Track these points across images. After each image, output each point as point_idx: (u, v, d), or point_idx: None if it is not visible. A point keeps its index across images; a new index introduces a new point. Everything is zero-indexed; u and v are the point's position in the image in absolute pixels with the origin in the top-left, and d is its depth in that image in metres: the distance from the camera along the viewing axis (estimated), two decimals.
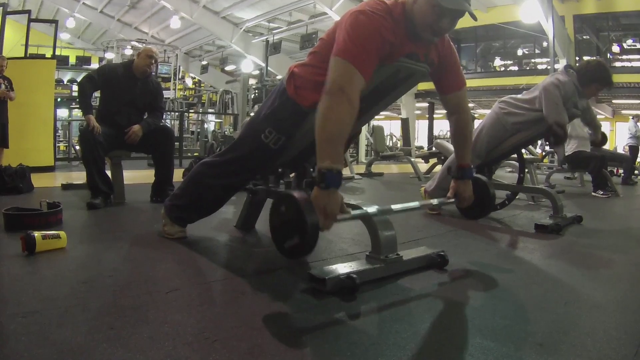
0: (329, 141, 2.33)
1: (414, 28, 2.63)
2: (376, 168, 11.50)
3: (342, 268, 2.52)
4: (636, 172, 11.87)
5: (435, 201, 3.36)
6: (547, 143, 4.51)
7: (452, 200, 3.19)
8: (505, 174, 10.71)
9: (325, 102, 2.38)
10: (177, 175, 5.62)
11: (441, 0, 2.50)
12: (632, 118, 15.14)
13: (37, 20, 18.07)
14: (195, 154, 13.88)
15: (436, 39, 2.75)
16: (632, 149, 14.39)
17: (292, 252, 2.44)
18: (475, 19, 2.66)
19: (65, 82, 21.14)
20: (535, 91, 4.77)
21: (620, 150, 16.96)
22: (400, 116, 22.98)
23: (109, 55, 22.52)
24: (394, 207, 2.84)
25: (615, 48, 20.79)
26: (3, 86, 7.56)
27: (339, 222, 2.43)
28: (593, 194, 7.75)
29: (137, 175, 7.66)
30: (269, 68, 23.25)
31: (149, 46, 5.74)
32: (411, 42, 2.67)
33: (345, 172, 9.63)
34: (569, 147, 8.29)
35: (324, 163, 2.29)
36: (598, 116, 25.43)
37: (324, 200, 2.30)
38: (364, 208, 2.69)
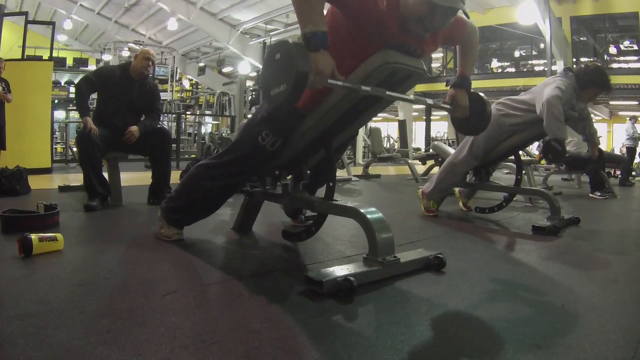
0: (306, 3, 2.41)
1: (407, 21, 2.64)
2: (373, 170, 11.50)
3: (339, 270, 2.51)
4: (633, 173, 11.89)
5: (430, 101, 3.37)
6: (544, 157, 4.49)
7: (448, 106, 3.23)
8: (503, 176, 10.72)
9: None
10: (174, 177, 5.61)
11: None
12: (630, 119, 15.18)
13: (34, 22, 18.03)
14: (192, 156, 13.86)
15: (427, 35, 2.76)
16: (630, 150, 14.42)
17: (278, 98, 2.45)
18: (468, 17, 2.68)
19: (62, 84, 21.17)
20: (534, 94, 4.76)
21: (617, 152, 16.98)
22: (397, 118, 22.99)
23: (106, 57, 22.54)
24: (389, 93, 2.83)
25: (612, 49, 20.85)
26: (0, 88, 7.55)
27: (331, 85, 2.50)
28: (590, 195, 7.76)
29: (134, 177, 7.66)
30: None
31: (146, 48, 5.73)
32: (403, 33, 2.67)
33: (343, 173, 9.64)
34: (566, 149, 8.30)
35: (307, 27, 2.38)
36: (595, 117, 25.41)
37: (315, 60, 2.37)
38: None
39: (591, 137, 5.41)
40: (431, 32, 2.76)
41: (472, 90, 3.40)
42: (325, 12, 2.60)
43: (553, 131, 4.43)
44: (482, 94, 3.48)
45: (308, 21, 2.38)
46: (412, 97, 3.12)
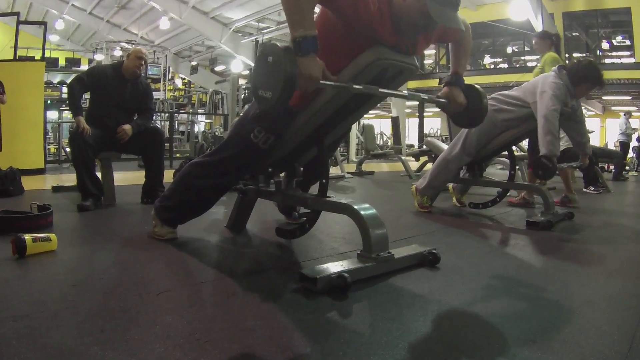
0: (296, 7, 2.38)
1: (399, 22, 2.64)
2: (367, 167, 11.50)
3: (333, 267, 2.52)
4: (627, 167, 11.92)
5: (424, 95, 3.36)
6: (534, 174, 4.50)
7: (443, 100, 3.22)
8: (496, 171, 10.74)
9: None
10: (168, 176, 5.60)
11: (432, 12, 2.51)
12: (624, 115, 15.22)
13: (26, 22, 17.93)
14: (185, 155, 13.85)
15: (418, 36, 2.77)
16: (623, 145, 14.47)
17: (264, 100, 2.45)
18: (462, 29, 2.69)
19: (55, 84, 21.08)
20: (527, 90, 4.77)
21: (611, 147, 17.02)
22: (390, 115, 23.01)
23: (99, 57, 22.48)
24: (381, 90, 2.82)
25: (605, 45, 20.87)
26: None
27: (322, 86, 2.50)
28: (584, 190, 7.78)
29: (128, 177, 7.65)
30: None
31: (139, 47, 5.68)
32: (395, 34, 2.67)
33: (336, 171, 9.64)
34: (559, 144, 8.30)
35: (297, 31, 2.36)
36: (588, 113, 25.41)
37: (305, 65, 2.36)
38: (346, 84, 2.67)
39: (582, 146, 5.31)
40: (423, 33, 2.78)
41: (467, 83, 3.37)
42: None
43: (547, 147, 4.43)
44: (477, 87, 3.44)
45: (298, 26, 2.36)
46: (405, 92, 3.11)
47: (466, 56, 3.35)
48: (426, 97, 3.34)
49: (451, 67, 3.36)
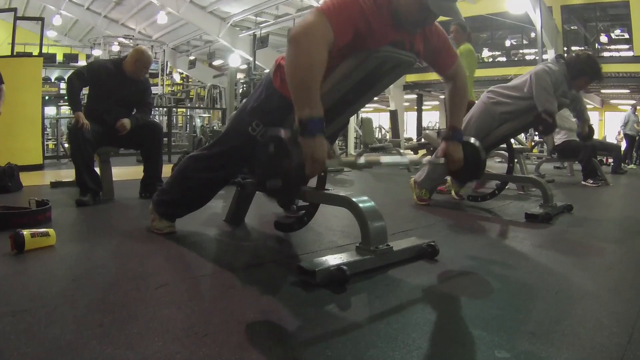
0: (304, 88, 2.32)
1: (399, 18, 2.62)
2: None
3: (332, 260, 2.52)
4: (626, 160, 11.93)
5: (424, 160, 3.34)
6: (536, 132, 4.50)
7: (442, 160, 3.18)
8: (495, 164, 10.73)
9: (292, 48, 2.35)
10: (166, 170, 5.58)
11: (430, 3, 2.50)
12: (630, 108, 15.28)
13: (23, 18, 17.88)
14: (184, 150, 13.84)
15: (418, 31, 2.76)
16: (628, 138, 14.57)
17: (275, 192, 2.42)
18: (463, 22, 2.68)
19: (52, 80, 21.08)
20: (524, 77, 4.77)
21: (614, 141, 17.06)
22: (388, 108, 23.00)
23: (96, 52, 22.40)
24: (383, 160, 2.81)
25: (603, 38, 20.85)
26: None
27: (328, 168, 2.43)
28: (583, 183, 7.78)
29: (126, 172, 7.62)
30: (256, 62, 23.18)
31: (148, 54, 5.54)
32: (395, 30, 2.66)
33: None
34: (558, 137, 8.32)
35: (304, 112, 2.30)
36: (587, 106, 25.42)
37: (311, 147, 2.29)
38: (354, 160, 2.65)
39: (581, 114, 5.38)
40: (420, 29, 2.76)
41: (464, 139, 3.32)
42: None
43: (543, 103, 4.47)
44: (473, 141, 3.40)
45: (305, 106, 2.30)
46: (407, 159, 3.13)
47: (463, 108, 3.29)
48: (425, 161, 3.33)
49: (448, 121, 3.28)
